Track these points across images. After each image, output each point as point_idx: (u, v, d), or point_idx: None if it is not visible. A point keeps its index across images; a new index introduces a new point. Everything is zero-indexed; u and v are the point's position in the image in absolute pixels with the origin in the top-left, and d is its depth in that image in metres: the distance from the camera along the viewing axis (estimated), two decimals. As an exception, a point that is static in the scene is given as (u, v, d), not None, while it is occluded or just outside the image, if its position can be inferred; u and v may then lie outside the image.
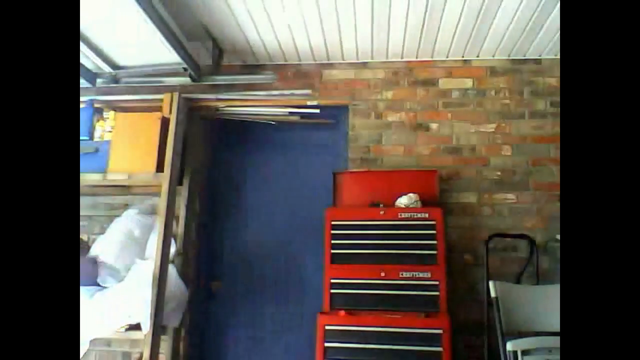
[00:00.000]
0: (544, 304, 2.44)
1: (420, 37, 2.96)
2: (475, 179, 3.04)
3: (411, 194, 2.68)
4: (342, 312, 2.44)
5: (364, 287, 2.49)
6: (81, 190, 2.71)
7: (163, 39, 2.54)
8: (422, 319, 2.37)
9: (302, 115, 3.09)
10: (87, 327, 2.42)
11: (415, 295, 2.44)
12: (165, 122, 2.72)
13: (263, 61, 3.30)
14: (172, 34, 2.62)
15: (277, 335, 3.01)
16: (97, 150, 2.71)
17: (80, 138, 2.72)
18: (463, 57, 3.20)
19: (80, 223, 3.05)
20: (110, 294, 2.55)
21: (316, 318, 2.46)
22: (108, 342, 3.01)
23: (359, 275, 2.51)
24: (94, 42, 2.82)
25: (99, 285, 2.69)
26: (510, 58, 3.19)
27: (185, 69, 2.92)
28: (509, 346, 2.25)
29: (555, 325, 2.35)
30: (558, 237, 2.85)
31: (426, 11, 2.68)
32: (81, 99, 2.90)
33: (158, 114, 2.74)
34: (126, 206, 3.09)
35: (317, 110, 3.06)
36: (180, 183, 2.89)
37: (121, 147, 2.70)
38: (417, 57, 3.21)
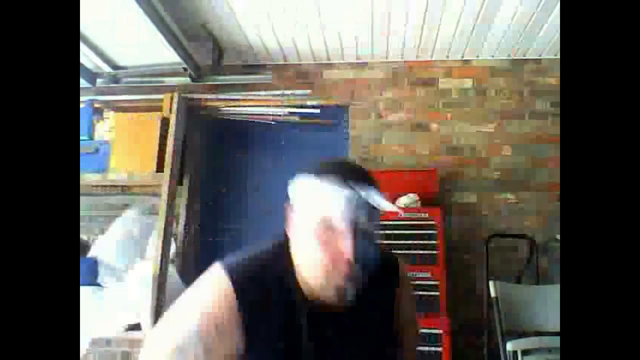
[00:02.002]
0: (544, 304, 2.43)
1: (420, 37, 2.96)
2: (475, 179, 3.04)
3: (411, 194, 2.68)
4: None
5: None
6: (81, 190, 2.71)
7: (163, 39, 2.54)
8: (422, 319, 2.36)
9: (302, 115, 3.09)
10: (87, 327, 2.42)
11: (415, 295, 2.44)
12: (165, 122, 2.72)
13: (263, 61, 3.29)
14: (172, 34, 2.62)
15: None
16: (97, 150, 2.72)
17: (80, 138, 2.73)
18: (463, 57, 3.20)
19: (80, 223, 3.05)
20: (110, 294, 2.55)
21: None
22: (108, 342, 3.00)
23: (359, 275, 2.51)
24: (94, 42, 2.83)
25: (99, 285, 2.69)
26: (510, 58, 3.19)
27: (185, 69, 2.92)
28: (509, 346, 2.24)
29: (555, 325, 2.34)
30: (558, 237, 2.85)
31: (426, 11, 2.68)
32: (81, 99, 2.90)
33: (158, 114, 2.74)
34: (126, 206, 3.09)
35: (317, 110, 3.06)
36: (181, 183, 2.89)
37: (121, 147, 2.70)
38: (417, 57, 3.21)
